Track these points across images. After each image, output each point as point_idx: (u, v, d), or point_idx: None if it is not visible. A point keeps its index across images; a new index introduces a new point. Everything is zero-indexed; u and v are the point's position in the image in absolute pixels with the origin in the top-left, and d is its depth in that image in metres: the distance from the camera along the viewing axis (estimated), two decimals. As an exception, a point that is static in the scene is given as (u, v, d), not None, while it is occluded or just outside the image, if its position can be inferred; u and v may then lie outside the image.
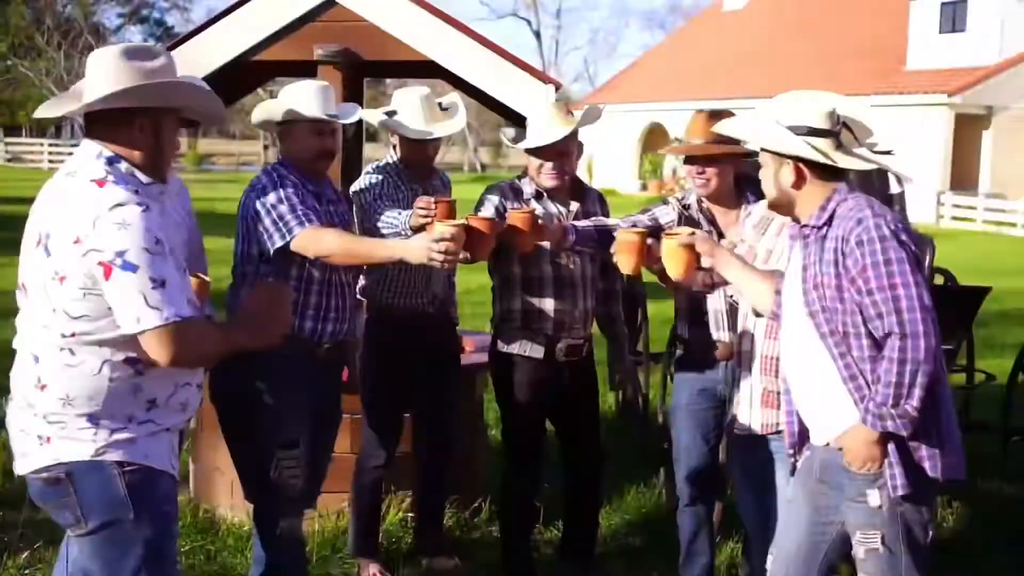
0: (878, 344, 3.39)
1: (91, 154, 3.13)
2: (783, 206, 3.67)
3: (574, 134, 4.78)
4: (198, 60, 5.42)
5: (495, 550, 5.34)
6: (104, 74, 3.12)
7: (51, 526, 5.57)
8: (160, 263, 2.98)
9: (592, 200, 5.05)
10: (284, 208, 4.20)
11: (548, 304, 4.88)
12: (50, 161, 47.47)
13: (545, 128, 4.74)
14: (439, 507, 5.44)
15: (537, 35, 61.72)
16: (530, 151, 4.81)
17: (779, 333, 3.86)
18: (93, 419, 3.09)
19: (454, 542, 5.60)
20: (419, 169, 5.02)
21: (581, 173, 5.34)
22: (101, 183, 3.02)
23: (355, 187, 5.00)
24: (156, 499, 3.21)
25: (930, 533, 3.58)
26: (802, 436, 3.75)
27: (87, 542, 3.17)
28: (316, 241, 4.18)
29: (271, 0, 5.46)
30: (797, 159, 3.53)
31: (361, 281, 5.00)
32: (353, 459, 5.27)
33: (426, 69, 5.84)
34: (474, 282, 4.76)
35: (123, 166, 3.12)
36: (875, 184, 7.28)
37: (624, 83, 45.91)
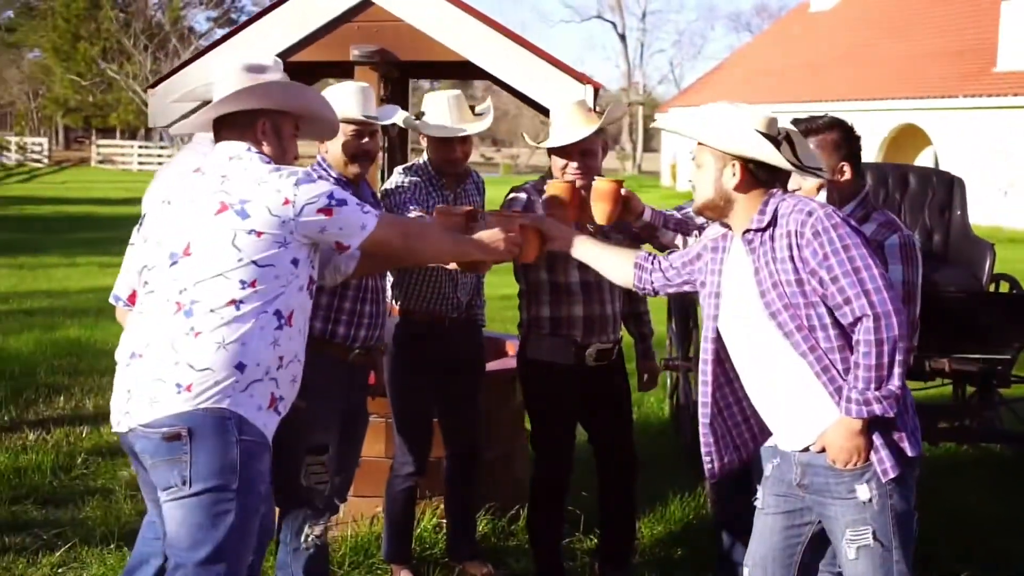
0: (845, 333, 3.36)
1: (241, 148, 3.49)
2: (715, 208, 3.58)
3: (598, 132, 4.69)
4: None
5: (530, 557, 5.25)
6: (228, 82, 3.54)
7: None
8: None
9: None
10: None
11: (577, 310, 4.83)
12: (139, 163, 48.39)
13: (567, 127, 4.65)
14: (468, 512, 5.35)
15: (622, 38, 61.38)
16: (553, 151, 4.72)
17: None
18: (240, 367, 3.30)
19: (489, 549, 5.52)
20: (448, 171, 4.96)
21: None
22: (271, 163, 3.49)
23: (384, 187, 4.96)
24: (258, 474, 3.36)
25: (915, 525, 3.53)
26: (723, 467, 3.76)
27: (181, 505, 3.25)
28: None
29: (307, 1, 5.43)
30: (745, 160, 3.47)
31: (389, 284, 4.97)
32: (387, 464, 5.24)
33: (464, 70, 5.77)
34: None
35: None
36: (935, 190, 7.12)
37: (709, 85, 45.50)
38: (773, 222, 3.45)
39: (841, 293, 3.31)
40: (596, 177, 4.45)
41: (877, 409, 3.28)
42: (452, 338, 5.04)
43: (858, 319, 3.29)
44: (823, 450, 3.43)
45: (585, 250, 4.10)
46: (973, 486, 6.70)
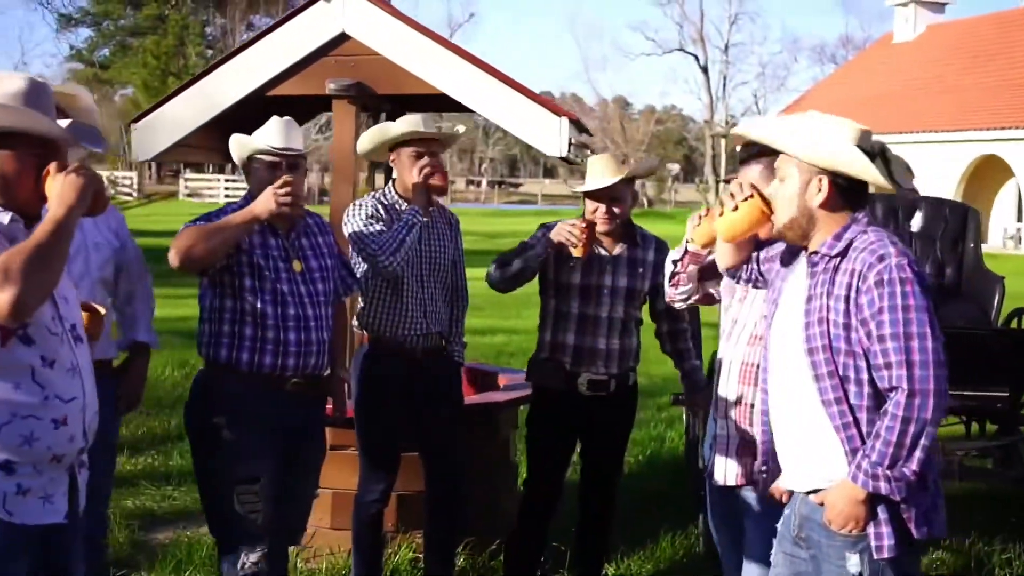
0: (879, 394, 3.10)
1: None
2: (796, 228, 3.27)
3: (625, 182, 4.94)
4: (215, 94, 5.52)
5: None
6: None
7: None
8: None
9: (649, 247, 5.13)
10: None
11: (570, 338, 5.04)
12: (226, 196, 49.22)
13: (599, 175, 4.92)
14: (448, 549, 5.31)
15: (704, 70, 61.08)
16: (586, 194, 5.00)
17: (756, 379, 3.64)
18: None
19: (463, 584, 5.48)
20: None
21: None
22: None
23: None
24: None
25: None
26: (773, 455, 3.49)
27: None
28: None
29: (284, 35, 5.51)
30: (833, 175, 3.20)
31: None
32: (359, 496, 5.23)
33: (440, 102, 5.78)
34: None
35: None
36: (948, 221, 6.95)
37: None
38: (843, 252, 3.17)
39: (884, 355, 3.05)
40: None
41: (883, 488, 3.04)
42: (423, 368, 5.01)
43: (893, 388, 3.05)
44: (823, 503, 3.21)
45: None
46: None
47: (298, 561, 5.53)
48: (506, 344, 13.09)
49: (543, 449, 5.18)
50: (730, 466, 4.06)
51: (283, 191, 4.20)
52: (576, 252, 4.80)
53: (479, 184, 76.08)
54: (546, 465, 5.17)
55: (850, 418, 3.12)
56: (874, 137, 3.26)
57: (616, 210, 4.96)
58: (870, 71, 44.03)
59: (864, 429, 3.11)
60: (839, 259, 3.17)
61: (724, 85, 62.31)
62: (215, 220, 4.34)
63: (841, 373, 3.13)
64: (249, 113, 5.58)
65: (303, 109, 5.98)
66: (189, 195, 52.51)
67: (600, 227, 4.95)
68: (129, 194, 51.83)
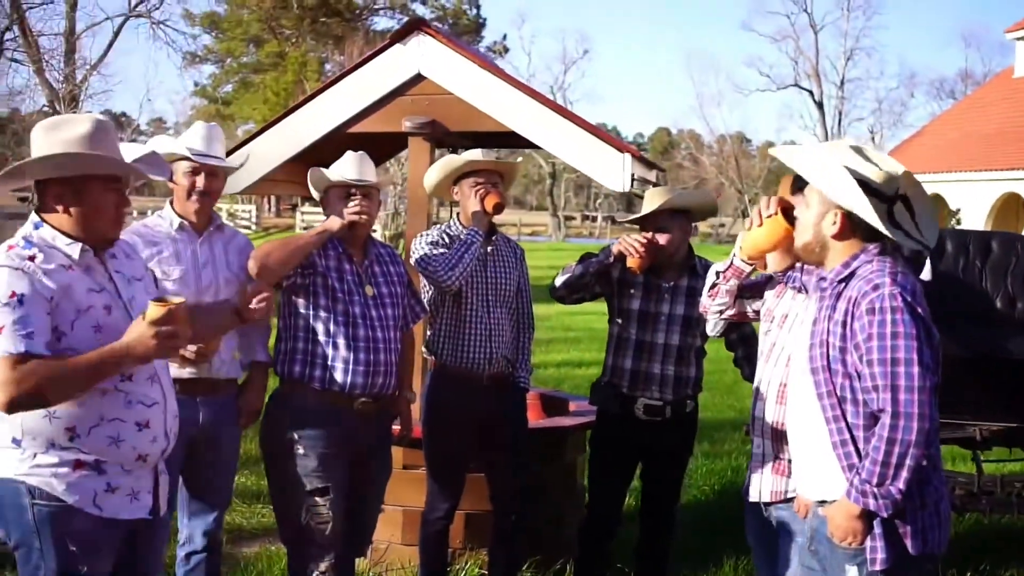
0: (874, 414, 3.28)
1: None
2: (811, 253, 3.51)
3: (673, 214, 5.19)
4: (300, 132, 5.87)
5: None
6: (34, 147, 3.42)
7: None
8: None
9: (704, 271, 5.20)
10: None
11: (627, 363, 5.24)
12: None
13: (646, 204, 5.18)
14: (510, 564, 5.52)
15: (820, 106, 60.58)
16: (635, 222, 5.28)
17: (789, 399, 3.80)
18: (16, 440, 3.33)
19: (530, 600, 5.70)
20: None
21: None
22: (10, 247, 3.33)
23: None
24: (63, 536, 3.34)
25: None
26: None
27: (16, 555, 3.43)
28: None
29: (364, 76, 5.81)
30: (848, 211, 3.39)
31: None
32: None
33: (509, 139, 6.05)
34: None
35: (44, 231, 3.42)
36: (1020, 256, 6.98)
37: (910, 152, 44.36)
38: (848, 279, 3.38)
39: (872, 379, 3.24)
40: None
41: (871, 504, 3.23)
42: (488, 394, 5.24)
43: (880, 410, 3.23)
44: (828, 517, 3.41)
45: None
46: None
47: (370, 574, 5.80)
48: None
49: (602, 471, 5.40)
50: (764, 484, 4.23)
51: (354, 206, 4.54)
52: (632, 262, 5.02)
53: (594, 219, 76.12)
54: (604, 487, 5.38)
55: (847, 435, 3.32)
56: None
57: (660, 239, 5.14)
58: (989, 106, 43.14)
59: (860, 447, 3.29)
60: (843, 286, 3.37)
61: (840, 121, 61.67)
62: None
63: (839, 393, 3.33)
64: (331, 149, 5.90)
65: (382, 146, 6.28)
66: (305, 227, 53.48)
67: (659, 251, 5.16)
68: (248, 227, 53.03)
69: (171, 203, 4.73)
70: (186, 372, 4.47)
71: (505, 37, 71.94)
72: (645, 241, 5.03)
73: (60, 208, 3.40)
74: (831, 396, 3.34)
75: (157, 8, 39.07)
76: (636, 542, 5.51)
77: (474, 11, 69.45)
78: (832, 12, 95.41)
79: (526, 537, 5.51)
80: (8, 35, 29.38)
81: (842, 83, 61.61)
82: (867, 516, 3.28)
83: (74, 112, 32.43)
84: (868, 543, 3.31)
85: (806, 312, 3.67)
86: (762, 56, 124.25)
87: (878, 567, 3.30)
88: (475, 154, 5.16)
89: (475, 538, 5.74)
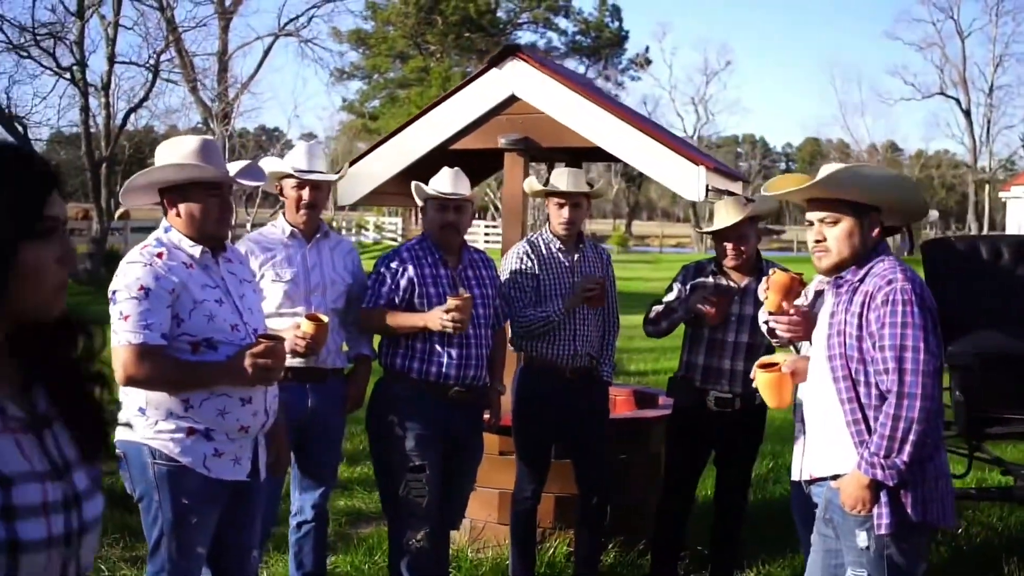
0: (884, 395, 3.72)
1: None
2: (845, 265, 3.87)
3: (748, 221, 5.63)
4: (407, 148, 6.48)
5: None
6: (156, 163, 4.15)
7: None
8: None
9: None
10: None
11: (700, 359, 5.76)
12: (485, 240, 50.88)
13: (724, 216, 5.64)
14: (593, 545, 6.02)
15: (967, 114, 59.39)
16: (713, 234, 5.74)
17: (806, 385, 4.22)
18: (141, 409, 3.97)
19: (612, 576, 6.20)
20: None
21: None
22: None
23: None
24: (178, 492, 3.96)
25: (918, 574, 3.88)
26: None
27: (140, 506, 4.10)
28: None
29: (463, 98, 6.40)
30: (878, 212, 3.87)
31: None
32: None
33: (594, 153, 6.56)
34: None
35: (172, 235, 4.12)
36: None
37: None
38: (863, 278, 3.81)
39: (884, 362, 3.67)
40: (773, 269, 5.10)
41: (879, 474, 3.68)
42: (571, 387, 5.76)
43: (888, 391, 3.67)
44: (839, 488, 3.83)
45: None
46: None
47: (469, 551, 6.37)
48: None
49: (675, 459, 5.91)
50: (804, 464, 4.66)
51: (449, 316, 4.97)
52: (710, 320, 5.59)
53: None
54: (677, 473, 5.88)
55: (860, 415, 3.76)
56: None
57: (742, 247, 5.66)
58: None
59: (871, 425, 3.73)
60: (859, 283, 3.83)
61: (988, 129, 60.31)
62: (399, 262, 5.25)
63: (853, 377, 3.77)
64: (435, 164, 6.50)
65: (481, 162, 6.85)
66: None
67: (728, 262, 5.66)
68: (394, 238, 54.38)
69: (283, 214, 5.37)
70: (297, 361, 5.09)
71: (647, 49, 71.98)
72: (716, 300, 5.54)
73: (174, 212, 4.07)
74: (847, 380, 3.78)
75: (305, 27, 40.35)
76: (712, 526, 5.98)
77: (616, 24, 69.91)
78: (980, 18, 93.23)
79: (610, 519, 6.00)
80: (164, 57, 30.83)
81: (991, 90, 60.26)
82: (875, 487, 3.72)
83: (226, 128, 33.96)
84: (875, 511, 3.74)
85: (822, 308, 4.12)
86: (906, 64, 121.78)
87: (883, 531, 3.73)
88: (558, 179, 5.69)
89: (564, 519, 6.25)
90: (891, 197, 3.91)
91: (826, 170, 3.88)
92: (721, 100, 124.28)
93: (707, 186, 5.94)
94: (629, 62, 71.42)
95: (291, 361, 4.98)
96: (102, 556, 6.19)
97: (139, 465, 4.01)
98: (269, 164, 5.32)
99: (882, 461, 3.66)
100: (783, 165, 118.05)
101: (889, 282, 3.73)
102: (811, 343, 4.23)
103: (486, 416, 5.59)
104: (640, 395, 7.11)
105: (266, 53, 39.77)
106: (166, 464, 3.98)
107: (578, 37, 69.89)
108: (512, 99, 6.32)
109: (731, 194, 6.19)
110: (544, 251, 5.73)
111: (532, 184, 5.82)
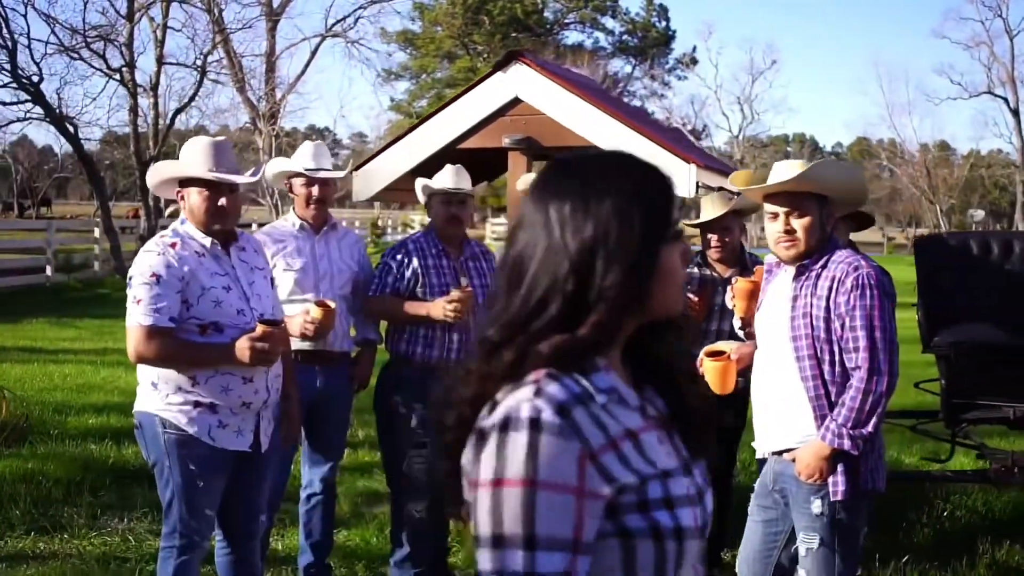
0: (846, 373, 4.03)
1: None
2: (812, 251, 4.15)
3: (732, 214, 5.90)
4: (418, 147, 6.88)
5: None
6: None
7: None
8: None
9: (753, 265, 5.95)
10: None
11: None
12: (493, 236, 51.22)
13: (709, 209, 5.94)
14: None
15: (1015, 113, 59.01)
16: (697, 226, 6.02)
17: (754, 366, 4.50)
18: (154, 383, 4.40)
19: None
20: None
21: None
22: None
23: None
24: (185, 458, 4.38)
25: (862, 538, 4.24)
26: None
27: (154, 471, 4.53)
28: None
29: (470, 100, 6.81)
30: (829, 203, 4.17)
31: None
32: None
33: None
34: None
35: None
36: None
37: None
38: (825, 264, 4.11)
39: (855, 341, 3.98)
40: (736, 278, 5.32)
41: (847, 444, 4.00)
42: None
43: (858, 367, 3.98)
44: (794, 460, 4.12)
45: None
46: None
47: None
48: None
49: None
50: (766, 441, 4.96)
51: (452, 306, 5.34)
52: (695, 311, 5.82)
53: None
54: None
55: (822, 391, 4.08)
56: None
57: (725, 239, 5.96)
58: None
59: (831, 400, 4.06)
60: (821, 269, 4.14)
61: (1035, 128, 59.87)
62: (404, 253, 5.63)
63: (818, 356, 4.08)
64: (445, 162, 6.90)
65: (487, 159, 7.22)
66: (497, 239, 54.89)
67: (712, 254, 5.98)
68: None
69: (294, 209, 5.78)
70: (306, 345, 5.49)
71: (695, 49, 72.10)
72: (701, 291, 5.86)
73: (183, 206, 4.49)
74: (811, 358, 4.08)
75: (352, 28, 40.95)
76: None
77: (663, 24, 70.07)
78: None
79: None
80: (211, 58, 31.47)
81: (1040, 89, 59.81)
82: (833, 457, 4.04)
83: (272, 128, 34.57)
84: (831, 479, 4.06)
85: (774, 293, 4.41)
86: (953, 63, 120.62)
87: (840, 497, 4.06)
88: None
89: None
90: (844, 188, 4.23)
91: (782, 167, 4.23)
92: (767, 99, 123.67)
93: (697, 183, 6.28)
94: (676, 61, 71.57)
95: (301, 344, 5.41)
96: (131, 529, 6.64)
97: (152, 434, 4.43)
98: (279, 164, 5.75)
99: (849, 432, 3.98)
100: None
101: (856, 268, 4.05)
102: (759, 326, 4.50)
103: None
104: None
105: (313, 54, 40.45)
106: (175, 433, 4.39)
107: (625, 37, 70.16)
108: (516, 101, 6.71)
109: (716, 189, 6.52)
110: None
111: (526, 182, 6.19)
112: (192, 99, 30.39)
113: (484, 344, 1.83)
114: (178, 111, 29.98)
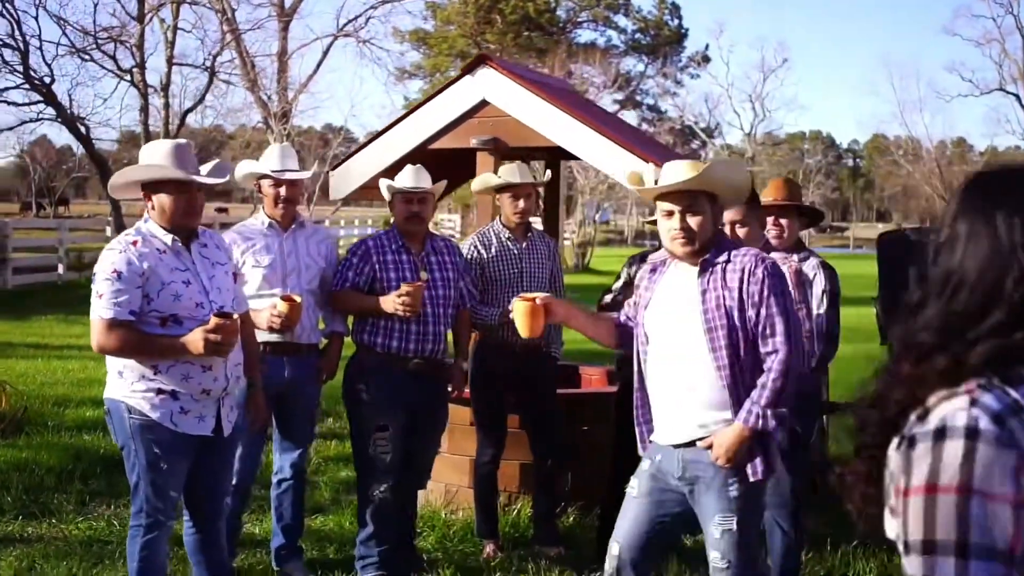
0: (757, 359, 4.21)
1: None
2: (707, 246, 4.32)
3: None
4: (391, 148, 7.17)
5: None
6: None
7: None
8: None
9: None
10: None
11: None
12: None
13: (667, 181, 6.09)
14: (550, 505, 6.65)
15: (1027, 108, 58.96)
16: (653, 223, 6.14)
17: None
18: (120, 372, 4.71)
19: (570, 536, 6.80)
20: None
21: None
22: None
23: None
24: (149, 442, 4.67)
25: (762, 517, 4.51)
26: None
27: (122, 454, 4.83)
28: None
29: (440, 103, 7.10)
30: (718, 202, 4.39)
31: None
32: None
33: (557, 152, 7.20)
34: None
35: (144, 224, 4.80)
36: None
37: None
38: (728, 257, 4.29)
39: (771, 327, 4.17)
40: (515, 298, 5.04)
41: (769, 424, 4.18)
42: (520, 361, 6.40)
43: (775, 351, 4.17)
44: (709, 447, 4.21)
45: (579, 319, 4.86)
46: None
47: (444, 512, 7.04)
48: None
49: (621, 430, 6.38)
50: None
51: (401, 300, 5.61)
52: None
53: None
54: (623, 442, 6.37)
55: (737, 378, 4.25)
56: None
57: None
58: None
59: (746, 385, 4.24)
60: (725, 263, 4.33)
61: (1053, 125, 59.63)
62: (364, 250, 5.96)
63: (734, 344, 4.24)
64: (417, 162, 7.17)
65: (456, 159, 7.49)
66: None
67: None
68: (453, 234, 55.22)
69: (263, 208, 6.07)
70: (274, 337, 5.78)
71: (707, 47, 72.15)
72: None
73: (150, 205, 4.77)
74: (728, 347, 4.22)
75: (363, 27, 41.21)
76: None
77: (675, 22, 70.14)
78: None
79: (571, 485, 6.63)
80: (221, 58, 31.82)
81: (1051, 86, 59.62)
82: (751, 439, 4.20)
83: (284, 127, 34.90)
84: (751, 461, 4.24)
85: (668, 290, 4.48)
86: (964, 60, 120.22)
87: (760, 478, 4.25)
88: (510, 173, 6.32)
89: (527, 484, 6.89)
90: (733, 187, 4.46)
91: (674, 167, 4.40)
92: (778, 97, 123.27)
93: (656, 180, 6.52)
94: (688, 60, 71.60)
95: (269, 336, 5.70)
96: (116, 515, 6.95)
97: (119, 419, 4.73)
98: (247, 166, 6.05)
99: (771, 412, 4.18)
100: (850, 162, 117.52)
101: (763, 259, 4.28)
102: (642, 322, 4.54)
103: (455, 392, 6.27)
104: (612, 374, 7.72)
105: (325, 53, 40.68)
106: (140, 419, 4.68)
107: (637, 35, 70.23)
108: (483, 103, 6.99)
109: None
110: (494, 240, 6.37)
111: (483, 182, 6.45)
112: (202, 100, 30.80)
113: (915, 348, 1.79)
114: (187, 111, 30.37)
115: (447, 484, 7.07)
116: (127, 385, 4.70)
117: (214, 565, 5.09)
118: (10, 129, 30.11)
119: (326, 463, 8.64)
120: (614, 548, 4.45)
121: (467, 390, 6.50)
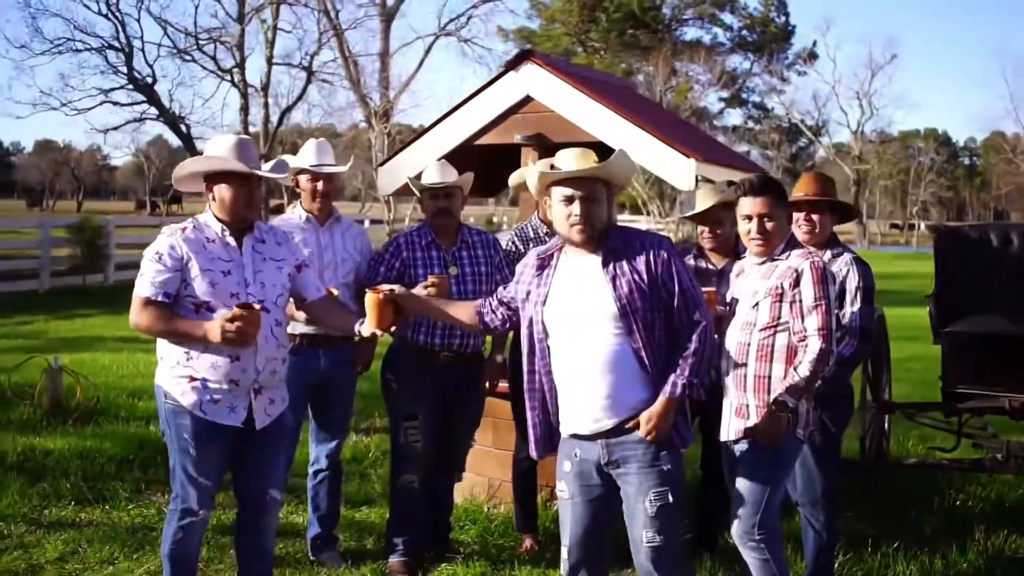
0: (672, 336, 4.34)
1: None
2: (604, 232, 4.43)
3: (719, 205, 6.05)
4: (438, 144, 7.22)
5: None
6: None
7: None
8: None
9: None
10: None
11: None
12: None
13: (701, 202, 6.16)
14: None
15: None
16: (690, 218, 6.27)
17: (747, 355, 4.77)
18: (161, 357, 4.86)
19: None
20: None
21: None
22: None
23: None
24: (180, 428, 4.80)
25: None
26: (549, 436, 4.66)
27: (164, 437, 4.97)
28: None
29: (485, 99, 7.11)
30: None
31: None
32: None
33: (599, 148, 7.16)
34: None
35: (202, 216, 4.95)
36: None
37: None
38: (627, 242, 4.39)
39: (685, 302, 4.33)
40: (368, 291, 4.96)
41: (702, 393, 4.35)
42: None
43: (695, 323, 4.32)
44: (635, 428, 4.30)
45: (436, 311, 5.03)
46: None
47: (486, 506, 7.08)
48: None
49: None
50: (731, 425, 5.07)
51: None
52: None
53: (912, 227, 73.53)
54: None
55: (655, 356, 4.33)
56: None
57: (717, 231, 6.14)
58: None
59: (664, 361, 4.34)
60: (627, 248, 4.40)
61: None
62: (396, 245, 6.03)
63: (651, 324, 4.33)
64: (463, 158, 7.22)
65: (502, 155, 7.51)
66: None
67: (705, 244, 6.19)
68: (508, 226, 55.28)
69: (300, 203, 6.17)
70: (311, 329, 5.87)
71: (814, 44, 71.07)
72: (711, 292, 5.96)
73: (211, 197, 4.91)
74: (646, 328, 4.31)
75: (464, 27, 41.51)
76: (700, 491, 6.52)
77: (782, 19, 69.35)
78: None
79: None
80: (320, 58, 32.28)
81: None
82: (678, 410, 4.35)
83: (385, 126, 35.30)
84: (675, 433, 4.36)
85: (568, 278, 4.51)
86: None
87: (687, 445, 4.42)
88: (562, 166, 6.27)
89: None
90: (625, 176, 4.56)
91: (568, 155, 4.47)
92: (886, 94, 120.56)
93: (698, 176, 6.50)
94: (795, 57, 70.72)
95: (305, 328, 5.81)
96: (167, 503, 7.09)
97: (160, 403, 4.91)
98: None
99: (696, 380, 4.31)
100: (966, 160, 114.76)
101: (660, 241, 4.43)
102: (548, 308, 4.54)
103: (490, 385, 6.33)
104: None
105: (426, 52, 41.04)
106: (173, 404, 4.84)
107: (743, 32, 69.59)
108: (527, 99, 7.00)
109: (710, 181, 6.70)
110: (532, 235, 6.39)
111: (518, 176, 6.46)
112: (300, 99, 31.33)
113: None
114: (286, 111, 30.86)
115: (490, 478, 7.11)
116: (167, 370, 4.86)
117: (252, 557, 5.19)
118: (115, 128, 30.77)
119: (384, 456, 8.73)
120: (564, 552, 4.58)
121: (504, 384, 6.51)
